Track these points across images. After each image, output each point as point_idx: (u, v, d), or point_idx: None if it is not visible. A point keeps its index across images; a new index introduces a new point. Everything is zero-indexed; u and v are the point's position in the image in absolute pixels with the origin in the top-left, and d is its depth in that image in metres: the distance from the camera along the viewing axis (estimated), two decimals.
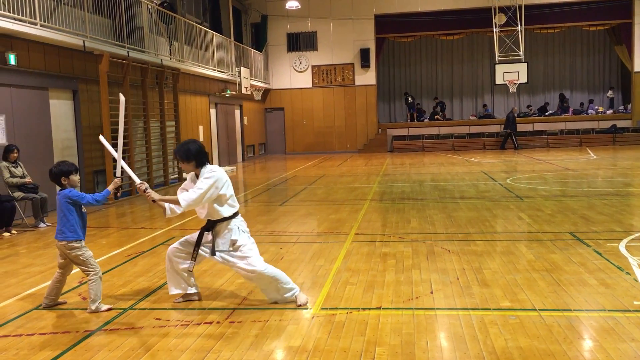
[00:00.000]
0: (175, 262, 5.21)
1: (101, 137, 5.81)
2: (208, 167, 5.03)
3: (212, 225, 5.08)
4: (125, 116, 13.52)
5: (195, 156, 5.00)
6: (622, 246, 6.76)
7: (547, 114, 27.89)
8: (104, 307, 5.14)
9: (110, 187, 5.22)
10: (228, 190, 5.04)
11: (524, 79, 25.57)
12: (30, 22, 10.38)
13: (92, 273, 5.16)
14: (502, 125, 25.99)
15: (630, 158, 18.94)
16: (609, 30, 27.07)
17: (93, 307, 5.08)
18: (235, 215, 5.11)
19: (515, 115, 26.05)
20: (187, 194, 4.88)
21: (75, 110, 12.61)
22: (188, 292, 5.27)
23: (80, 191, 5.33)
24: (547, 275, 5.71)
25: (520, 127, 26.82)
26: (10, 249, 8.06)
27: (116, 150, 5.37)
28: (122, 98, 5.38)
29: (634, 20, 25.49)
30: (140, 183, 5.06)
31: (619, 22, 26.00)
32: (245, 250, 5.05)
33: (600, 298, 4.97)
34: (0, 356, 4.17)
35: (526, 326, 4.37)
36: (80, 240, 5.19)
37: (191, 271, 5.21)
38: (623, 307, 4.71)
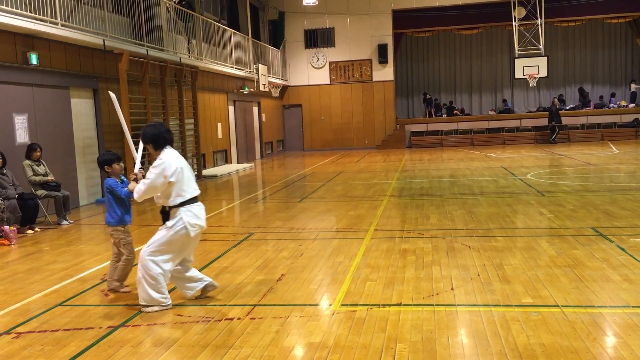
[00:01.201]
0: (175, 272, 5.19)
1: (111, 94, 6.03)
2: (163, 153, 5.01)
3: (164, 212, 5.08)
4: (128, 113, 13.64)
5: (152, 140, 5.03)
6: None
7: (567, 108, 27.53)
8: (125, 288, 5.60)
9: (131, 187, 5.27)
10: (178, 178, 4.94)
11: (544, 73, 25.27)
12: (51, 22, 10.51)
13: (125, 257, 5.59)
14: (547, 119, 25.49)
15: None
16: (631, 22, 26.62)
17: (111, 286, 5.59)
18: (185, 203, 4.97)
19: (558, 107, 25.59)
20: (138, 186, 5.01)
21: (96, 109, 12.76)
22: (201, 287, 5.27)
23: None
24: (570, 271, 5.65)
25: (541, 122, 26.53)
26: (34, 246, 8.18)
27: (136, 149, 5.47)
28: (112, 95, 5.83)
29: None
30: (136, 172, 5.22)
31: None
32: (155, 238, 5.00)
33: (624, 294, 4.90)
34: (26, 352, 4.24)
35: (548, 323, 4.33)
36: (123, 226, 5.60)
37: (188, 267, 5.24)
38: None
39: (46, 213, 9.89)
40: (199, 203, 5.14)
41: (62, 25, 10.79)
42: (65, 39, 11.07)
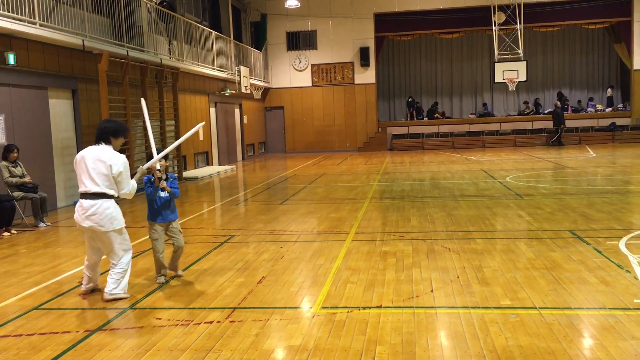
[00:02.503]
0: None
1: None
2: None
3: None
4: (127, 115, 13.52)
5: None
6: (622, 244, 6.77)
7: (546, 112, 27.89)
8: (161, 279, 5.95)
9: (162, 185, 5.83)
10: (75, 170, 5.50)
11: (523, 77, 25.57)
12: (29, 22, 10.37)
13: (154, 249, 5.95)
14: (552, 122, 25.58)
15: (629, 156, 18.94)
16: (608, 28, 27.04)
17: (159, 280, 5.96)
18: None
19: (561, 109, 25.73)
20: None
21: (75, 110, 12.61)
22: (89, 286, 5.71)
23: None
24: (547, 273, 5.71)
25: (520, 126, 26.84)
26: (10, 248, 8.05)
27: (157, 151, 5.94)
28: (143, 102, 6.29)
29: (633, 18, 25.47)
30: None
31: (618, 20, 25.98)
32: None
33: (601, 296, 4.97)
34: (1, 356, 4.17)
35: (526, 324, 4.38)
36: (150, 222, 5.93)
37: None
38: (623, 305, 4.72)
39: (23, 215, 9.74)
40: (80, 200, 5.42)
41: (40, 25, 10.66)
42: (43, 38, 10.93)
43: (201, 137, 19.81)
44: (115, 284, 5.38)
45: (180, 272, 6.17)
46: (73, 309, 5.23)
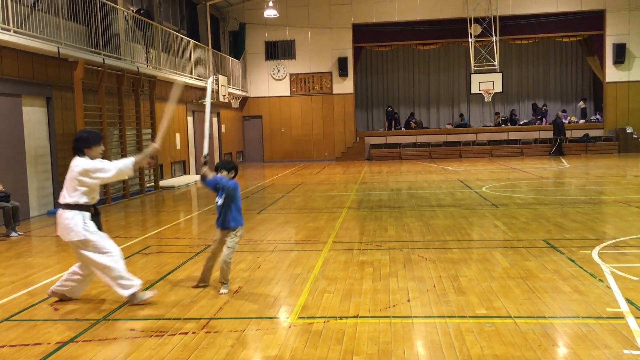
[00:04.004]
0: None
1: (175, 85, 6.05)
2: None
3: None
4: (105, 122, 13.36)
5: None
6: (594, 253, 6.87)
7: (521, 123, 28.29)
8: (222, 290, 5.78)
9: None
10: None
11: (498, 88, 25.96)
12: (3, 28, 10.21)
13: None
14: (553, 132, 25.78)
15: (602, 167, 19.29)
16: (581, 41, 27.60)
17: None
18: None
19: (562, 119, 25.99)
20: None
21: (49, 118, 12.43)
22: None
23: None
24: (522, 282, 5.77)
25: (496, 136, 27.19)
26: None
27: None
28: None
29: (605, 31, 26.05)
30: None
31: (591, 34, 26.54)
32: None
33: (574, 305, 5.03)
34: None
35: (502, 333, 4.41)
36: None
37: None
38: (596, 314, 4.78)
39: None
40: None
41: (14, 31, 10.51)
42: (17, 45, 10.77)
43: (178, 146, 19.67)
44: (118, 289, 5.37)
45: (206, 283, 5.96)
46: (45, 320, 5.13)
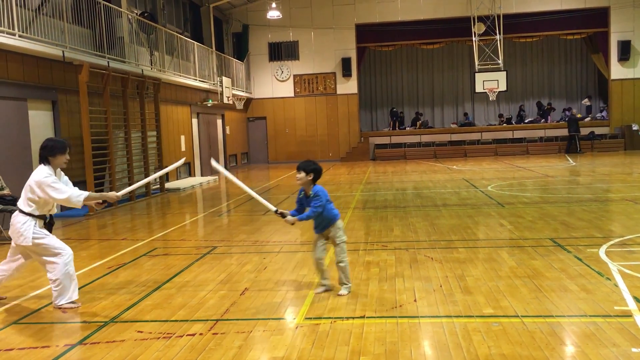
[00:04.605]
0: None
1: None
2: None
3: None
4: (106, 126, 13.41)
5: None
6: (602, 252, 6.85)
7: (527, 121, 28.23)
8: (319, 289, 5.68)
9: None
10: None
11: (503, 87, 25.91)
12: (8, 33, 10.26)
13: None
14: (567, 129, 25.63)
15: (608, 164, 19.22)
16: (586, 39, 27.52)
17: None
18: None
19: (577, 116, 25.83)
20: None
21: (55, 121, 12.48)
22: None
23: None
24: (529, 281, 5.76)
25: (501, 135, 27.13)
26: None
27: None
28: (215, 164, 6.31)
29: (610, 29, 25.97)
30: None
31: (596, 31, 26.46)
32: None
33: (582, 304, 5.02)
34: None
35: (509, 333, 4.40)
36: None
37: None
38: (604, 313, 4.76)
39: (2, 228, 9.58)
40: None
41: (19, 36, 10.56)
42: (23, 50, 10.82)
43: (183, 148, 19.72)
44: (56, 294, 5.48)
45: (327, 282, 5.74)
46: (53, 323, 5.15)
